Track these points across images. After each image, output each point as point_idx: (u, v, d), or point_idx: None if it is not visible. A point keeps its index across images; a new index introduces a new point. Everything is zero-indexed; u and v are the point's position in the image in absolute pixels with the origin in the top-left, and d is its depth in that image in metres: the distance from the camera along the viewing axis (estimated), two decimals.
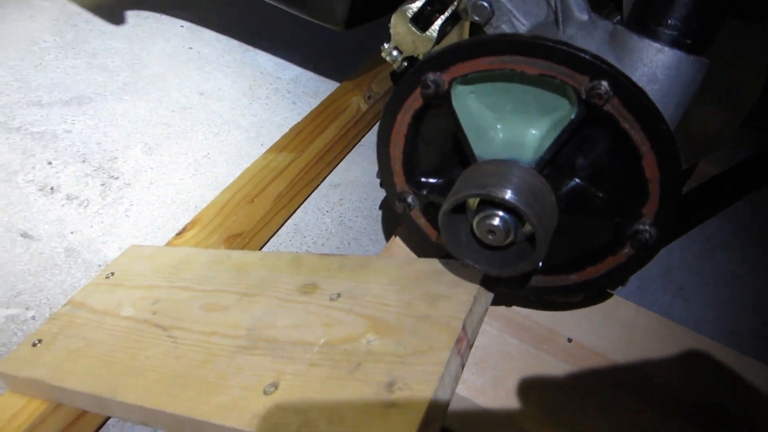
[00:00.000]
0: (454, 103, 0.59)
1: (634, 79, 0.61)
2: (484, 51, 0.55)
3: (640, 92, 0.54)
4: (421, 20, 0.80)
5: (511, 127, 0.60)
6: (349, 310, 0.67)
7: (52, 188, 1.07)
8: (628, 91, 0.53)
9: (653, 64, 0.62)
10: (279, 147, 1.16)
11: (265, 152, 1.15)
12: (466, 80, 0.58)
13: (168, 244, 0.96)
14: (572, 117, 0.55)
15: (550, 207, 0.56)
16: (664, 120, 0.54)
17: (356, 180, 1.26)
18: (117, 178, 1.11)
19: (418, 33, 0.80)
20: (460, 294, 0.65)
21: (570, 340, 0.78)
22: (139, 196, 1.09)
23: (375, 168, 1.23)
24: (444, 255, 0.71)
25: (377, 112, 1.39)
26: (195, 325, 0.71)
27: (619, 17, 0.76)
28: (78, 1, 1.53)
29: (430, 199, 0.66)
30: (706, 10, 0.61)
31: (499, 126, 0.61)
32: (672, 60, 0.61)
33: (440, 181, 0.66)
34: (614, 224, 0.60)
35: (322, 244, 1.12)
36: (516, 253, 0.58)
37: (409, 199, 0.67)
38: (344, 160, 1.29)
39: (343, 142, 1.27)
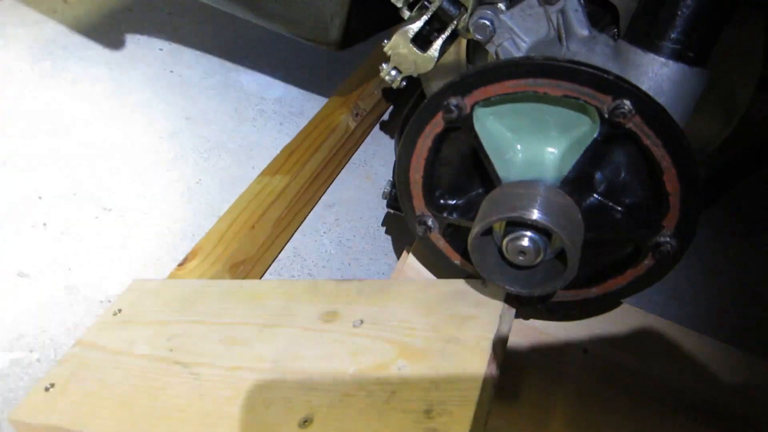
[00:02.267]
0: (476, 126, 0.59)
1: None
2: (509, 74, 0.56)
3: (662, 110, 0.55)
4: (422, 40, 0.80)
5: (530, 146, 0.61)
6: (376, 337, 0.67)
7: (44, 224, 1.04)
8: (650, 109, 0.55)
9: (658, 78, 0.63)
10: (272, 169, 1.16)
11: (259, 176, 1.15)
12: (488, 103, 0.59)
13: (170, 276, 0.95)
14: (595, 136, 0.56)
15: (578, 225, 0.57)
16: (684, 136, 0.56)
17: (350, 199, 1.25)
18: (110, 210, 1.09)
19: (420, 53, 0.80)
20: (485, 314, 0.66)
21: (585, 351, 0.79)
22: (134, 228, 1.07)
23: (367, 186, 1.24)
24: (463, 275, 0.72)
25: (365, 129, 1.39)
26: (217, 360, 0.70)
27: (615, 30, 0.78)
28: (52, 28, 1.50)
29: (450, 221, 0.67)
30: (707, 23, 0.62)
31: (518, 146, 0.62)
32: (676, 73, 0.63)
33: (460, 202, 0.67)
34: (635, 238, 0.62)
35: (323, 266, 1.11)
36: (545, 271, 0.59)
37: (429, 222, 0.67)
38: (336, 179, 1.29)
39: (334, 162, 1.27)
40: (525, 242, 0.56)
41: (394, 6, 0.81)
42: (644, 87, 0.63)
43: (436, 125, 0.61)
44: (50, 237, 1.03)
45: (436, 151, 0.63)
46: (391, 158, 1.38)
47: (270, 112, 1.41)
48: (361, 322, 0.69)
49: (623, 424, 0.70)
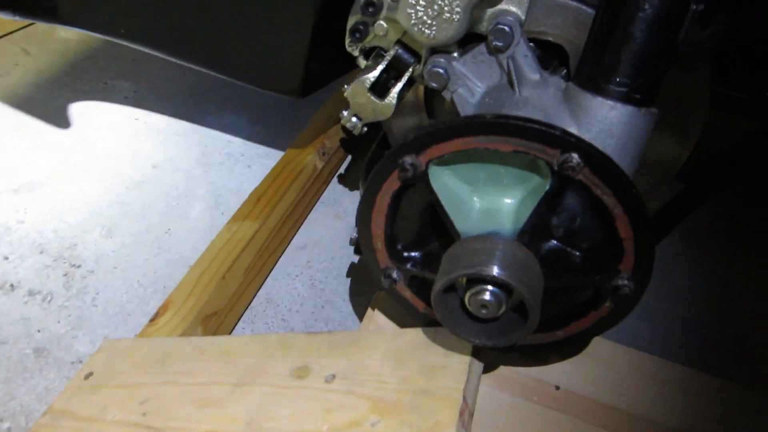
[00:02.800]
0: (432, 183, 0.61)
1: (592, 135, 0.64)
2: (459, 133, 0.58)
3: (609, 161, 0.57)
4: (379, 88, 0.82)
5: (487, 197, 0.63)
6: (347, 392, 0.67)
7: (12, 285, 1.03)
8: (597, 161, 0.56)
9: (608, 121, 0.65)
10: (242, 215, 1.16)
11: (229, 222, 1.14)
12: (442, 160, 0.60)
13: (142, 333, 0.94)
14: (547, 188, 0.58)
15: (537, 276, 0.58)
16: (632, 184, 0.57)
17: (321, 239, 1.26)
18: (79, 266, 1.08)
19: (378, 101, 0.82)
20: (455, 364, 0.66)
21: (557, 388, 0.80)
22: (104, 283, 1.07)
23: (337, 225, 1.24)
24: (429, 322, 0.73)
25: (332, 167, 1.40)
26: (190, 424, 0.70)
27: (565, 70, 0.80)
28: (15, 80, 1.49)
29: (414, 273, 0.67)
30: (651, 66, 0.64)
31: (475, 198, 0.63)
32: (625, 115, 0.65)
33: (421, 254, 0.68)
34: (594, 281, 0.63)
35: (297, 311, 1.11)
36: (508, 322, 0.60)
37: (394, 275, 0.68)
38: (306, 220, 1.29)
39: (303, 203, 1.27)
40: (486, 296, 0.57)
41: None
42: (594, 130, 0.65)
43: (393, 182, 0.62)
44: (18, 298, 1.01)
45: (395, 206, 0.64)
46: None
47: (237, 155, 1.41)
48: (333, 377, 0.69)
49: None
